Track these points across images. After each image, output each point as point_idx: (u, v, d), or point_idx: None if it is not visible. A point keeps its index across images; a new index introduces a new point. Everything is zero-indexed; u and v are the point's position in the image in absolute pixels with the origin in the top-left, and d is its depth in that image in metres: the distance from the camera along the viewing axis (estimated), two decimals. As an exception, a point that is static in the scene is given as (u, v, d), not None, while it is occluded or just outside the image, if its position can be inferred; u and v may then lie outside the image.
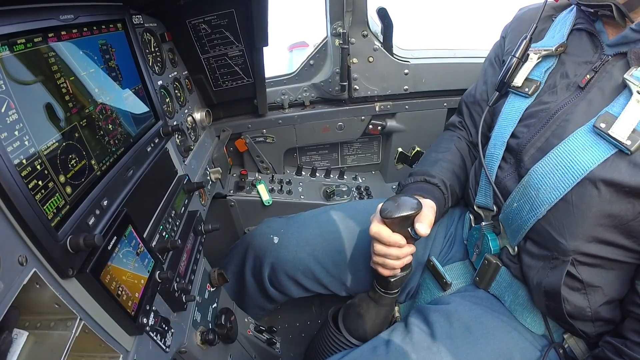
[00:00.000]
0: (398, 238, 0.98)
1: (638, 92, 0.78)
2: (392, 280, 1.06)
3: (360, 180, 2.11)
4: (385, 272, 1.04)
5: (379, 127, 1.94)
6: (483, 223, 1.08)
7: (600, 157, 0.79)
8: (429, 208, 1.01)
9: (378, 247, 1.01)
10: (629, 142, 0.76)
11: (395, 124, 1.95)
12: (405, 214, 0.93)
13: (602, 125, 0.80)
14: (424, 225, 0.95)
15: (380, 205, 1.00)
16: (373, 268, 1.08)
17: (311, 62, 1.85)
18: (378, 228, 0.99)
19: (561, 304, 0.88)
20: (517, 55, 1.03)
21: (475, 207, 1.11)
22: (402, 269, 1.05)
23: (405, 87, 1.84)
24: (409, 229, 0.97)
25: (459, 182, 1.23)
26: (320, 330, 1.27)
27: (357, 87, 1.81)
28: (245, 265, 1.43)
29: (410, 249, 1.01)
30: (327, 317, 1.25)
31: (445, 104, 1.91)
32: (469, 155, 1.29)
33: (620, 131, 0.77)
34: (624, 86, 0.82)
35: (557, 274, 0.87)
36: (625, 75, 0.81)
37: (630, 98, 0.79)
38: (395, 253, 0.99)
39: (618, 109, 0.79)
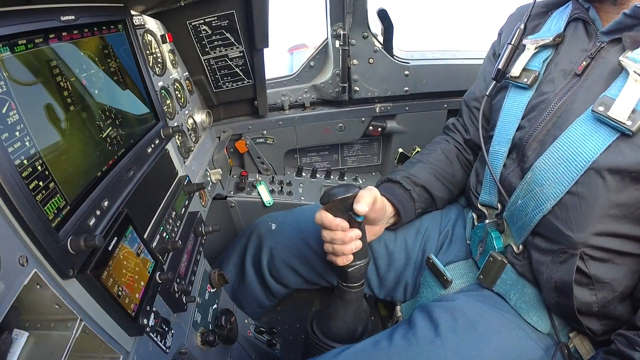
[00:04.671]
0: (339, 221, 0.99)
1: (635, 72, 0.78)
2: (349, 270, 1.04)
3: (361, 182, 2.11)
4: (338, 261, 1.03)
5: (380, 129, 1.94)
6: (487, 221, 1.07)
7: (603, 144, 0.79)
8: (366, 190, 1.01)
9: (324, 233, 1.02)
10: (629, 123, 0.76)
11: (395, 125, 1.95)
12: (340, 197, 0.96)
13: (601, 109, 0.79)
14: (361, 204, 0.96)
15: None
16: (329, 261, 1.08)
17: (311, 63, 1.85)
18: (320, 214, 1.01)
19: (572, 300, 0.87)
20: (512, 43, 1.04)
21: (479, 205, 1.11)
22: (357, 257, 1.03)
23: (406, 88, 1.84)
24: (350, 213, 0.99)
25: (438, 182, 1.24)
26: (305, 336, 1.26)
27: (358, 89, 1.81)
28: (246, 255, 1.44)
29: (355, 232, 1.00)
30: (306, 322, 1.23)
31: (445, 105, 1.91)
32: (456, 157, 1.30)
33: (620, 112, 0.77)
34: (620, 70, 0.82)
35: (567, 268, 0.87)
36: (621, 58, 0.81)
37: (627, 80, 0.79)
38: (339, 236, 0.99)
39: (616, 91, 0.80)
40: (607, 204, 0.81)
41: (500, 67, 1.05)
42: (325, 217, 0.99)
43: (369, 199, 0.98)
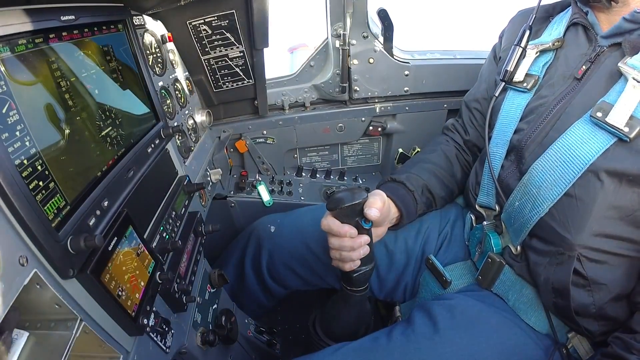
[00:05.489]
0: (348, 228, 0.97)
1: (634, 78, 0.78)
2: (354, 275, 1.03)
3: (361, 182, 2.11)
4: (345, 267, 1.02)
5: (380, 128, 1.94)
6: (485, 223, 1.07)
7: (600, 148, 0.80)
8: (375, 196, 1.00)
9: (332, 240, 1.01)
10: (627, 129, 0.76)
11: (395, 125, 1.95)
12: (349, 203, 0.94)
13: (599, 115, 0.80)
14: (373, 210, 0.95)
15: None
16: (333, 265, 1.07)
17: (311, 63, 1.85)
18: (327, 221, 0.99)
19: (569, 301, 0.87)
20: (521, 45, 1.03)
21: (477, 206, 1.11)
22: (363, 262, 1.02)
23: (406, 88, 1.84)
24: (357, 219, 0.97)
25: (439, 182, 1.23)
26: (307, 336, 1.27)
27: (358, 88, 1.81)
28: (246, 257, 1.44)
29: (364, 238, 0.99)
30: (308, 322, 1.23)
31: (445, 105, 1.91)
32: (455, 158, 1.30)
33: (618, 118, 0.77)
34: (620, 75, 0.82)
35: (565, 270, 0.87)
36: (619, 64, 0.82)
37: (625, 86, 0.79)
38: (348, 244, 0.98)
39: (614, 97, 0.80)
40: (604, 205, 0.81)
41: (509, 68, 1.05)
42: (333, 223, 0.98)
43: (380, 204, 0.97)
